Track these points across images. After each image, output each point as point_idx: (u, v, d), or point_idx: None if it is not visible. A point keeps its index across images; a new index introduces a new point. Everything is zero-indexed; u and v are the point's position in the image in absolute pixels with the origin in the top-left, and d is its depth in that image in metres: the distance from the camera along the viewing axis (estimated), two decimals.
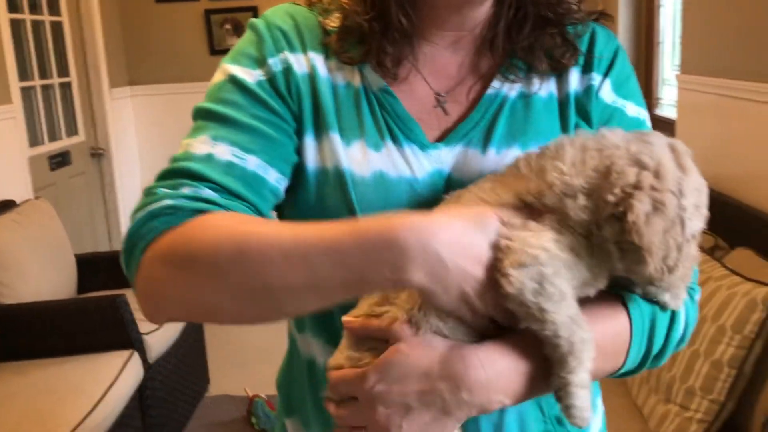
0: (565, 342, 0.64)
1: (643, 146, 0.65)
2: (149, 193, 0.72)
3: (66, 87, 4.14)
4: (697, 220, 0.65)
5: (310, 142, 0.79)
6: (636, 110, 0.85)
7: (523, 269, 0.63)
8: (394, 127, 0.80)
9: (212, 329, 3.52)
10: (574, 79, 0.84)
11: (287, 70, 0.80)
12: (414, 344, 0.67)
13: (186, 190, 0.71)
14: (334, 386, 0.71)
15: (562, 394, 0.67)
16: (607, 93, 0.84)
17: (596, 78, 0.84)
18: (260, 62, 0.80)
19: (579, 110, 0.83)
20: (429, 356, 0.66)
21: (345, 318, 0.72)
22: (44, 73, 3.91)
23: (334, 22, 0.82)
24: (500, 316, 0.67)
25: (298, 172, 0.80)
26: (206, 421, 3.12)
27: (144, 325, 2.74)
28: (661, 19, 3.66)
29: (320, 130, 0.80)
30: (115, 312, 2.59)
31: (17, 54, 3.54)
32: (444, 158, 0.80)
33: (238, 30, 4.65)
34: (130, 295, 2.65)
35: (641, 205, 0.62)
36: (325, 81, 0.81)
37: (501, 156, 0.79)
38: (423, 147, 0.80)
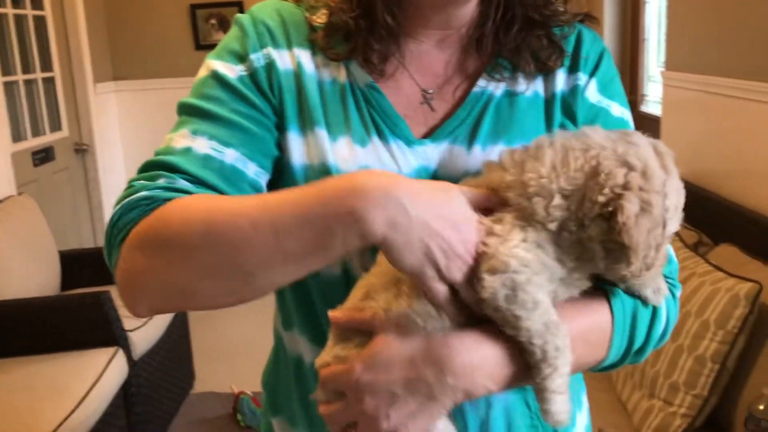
0: (539, 350, 0.66)
1: (629, 147, 0.66)
2: (128, 187, 0.74)
3: (49, 82, 4.10)
4: (675, 221, 0.67)
5: (295, 138, 0.80)
6: (620, 110, 0.86)
7: (496, 276, 0.64)
8: (380, 122, 0.80)
9: (198, 326, 3.51)
10: (561, 79, 0.85)
11: (270, 65, 0.80)
12: (398, 333, 0.67)
13: (162, 181, 0.72)
14: (323, 383, 0.71)
15: (538, 396, 0.68)
16: (592, 93, 0.85)
17: (582, 78, 0.85)
18: (242, 58, 0.80)
19: (564, 109, 0.84)
20: (413, 344, 0.67)
21: (331, 312, 0.72)
22: (27, 68, 3.86)
23: (320, 18, 0.82)
24: (478, 309, 0.67)
25: (284, 168, 0.80)
26: (191, 418, 3.11)
27: (129, 322, 2.72)
28: (646, 16, 3.68)
29: (306, 126, 0.80)
30: (100, 309, 2.57)
31: (0, 48, 3.49)
32: (430, 155, 0.80)
33: (223, 25, 4.62)
34: (114, 291, 2.63)
35: (631, 206, 0.63)
36: (311, 77, 0.81)
37: (486, 153, 0.80)
38: (409, 143, 0.80)
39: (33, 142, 3.85)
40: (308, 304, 0.83)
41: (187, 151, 0.75)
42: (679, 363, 1.94)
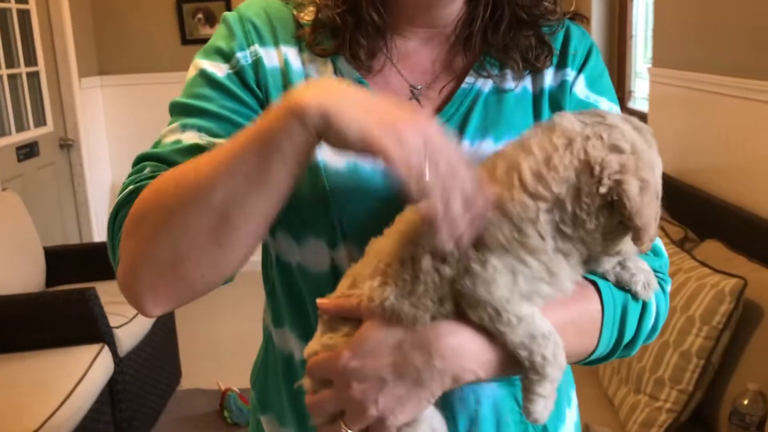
0: (525, 360, 0.67)
1: (612, 130, 0.66)
2: (121, 189, 0.75)
3: (34, 76, 4.06)
4: (660, 188, 0.68)
5: None
6: (609, 105, 0.86)
7: (477, 309, 0.66)
8: None
9: (184, 322, 3.49)
10: (548, 75, 0.85)
11: (256, 62, 0.81)
12: (385, 319, 0.67)
13: (147, 171, 0.75)
14: (310, 371, 0.71)
15: (523, 393, 0.69)
16: (580, 88, 0.85)
17: (570, 74, 0.85)
18: (229, 57, 0.81)
19: (553, 105, 0.84)
20: (400, 329, 0.67)
21: (319, 300, 0.72)
22: (11, 62, 3.83)
23: (308, 15, 0.82)
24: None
25: None
26: (178, 415, 3.10)
27: (114, 319, 2.71)
28: (633, 12, 3.70)
29: None
30: (85, 305, 2.55)
31: None
32: None
33: (210, 20, 4.59)
34: (100, 288, 2.62)
35: (633, 189, 0.63)
36: (298, 73, 0.81)
37: (475, 148, 0.80)
38: None
39: (17, 137, 3.81)
40: (298, 301, 0.83)
41: (176, 143, 0.77)
42: (664, 358, 1.95)
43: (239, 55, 0.81)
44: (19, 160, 3.80)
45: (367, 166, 0.78)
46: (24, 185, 3.77)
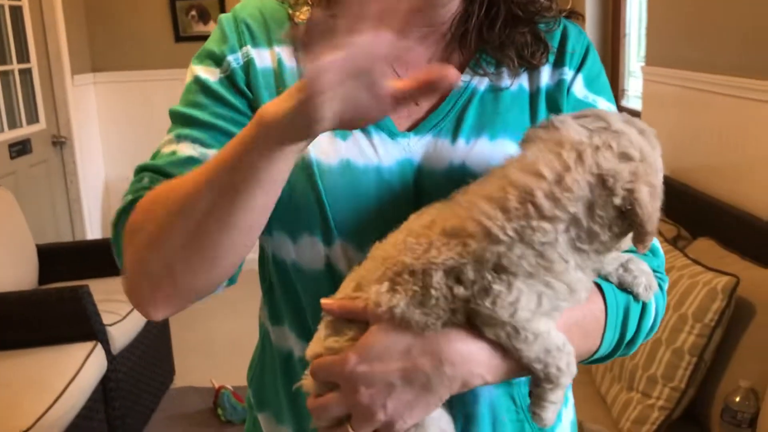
0: (540, 372, 0.67)
1: (620, 137, 0.66)
2: (122, 201, 0.77)
3: (26, 73, 4.04)
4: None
5: None
6: (606, 105, 0.86)
7: (494, 327, 0.66)
8: None
9: (177, 320, 3.48)
10: (545, 73, 0.85)
11: (248, 64, 0.81)
12: (393, 324, 0.67)
13: (146, 181, 0.76)
14: (314, 373, 0.70)
15: (533, 400, 0.69)
16: (579, 88, 0.85)
17: (568, 73, 0.85)
18: (221, 60, 0.82)
19: (550, 104, 0.84)
20: (409, 335, 0.66)
21: (323, 300, 0.72)
22: (3, 59, 3.81)
23: (303, 14, 0.83)
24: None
25: None
26: (171, 413, 3.10)
27: (107, 317, 2.70)
28: (627, 11, 3.70)
29: None
30: (78, 303, 2.55)
31: None
32: (413, 147, 0.80)
33: (203, 17, 4.58)
34: (93, 285, 2.61)
35: (645, 196, 0.63)
36: (292, 73, 0.82)
37: (470, 146, 0.80)
38: (392, 135, 0.80)
39: (9, 135, 3.79)
40: (295, 300, 0.83)
41: (172, 154, 0.78)
42: (657, 356, 1.96)
43: (230, 58, 0.81)
44: (12, 158, 3.79)
45: (359, 163, 0.78)
46: (16, 183, 3.75)
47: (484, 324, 0.66)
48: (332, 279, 0.78)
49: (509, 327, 0.65)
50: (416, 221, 0.70)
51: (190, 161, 0.77)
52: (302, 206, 0.78)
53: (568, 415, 0.92)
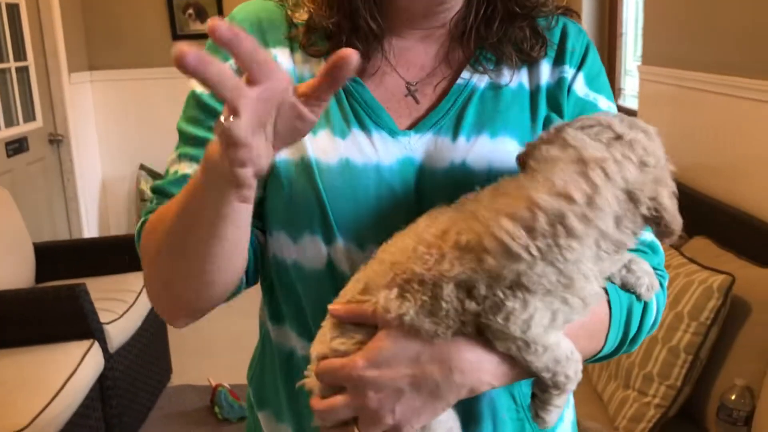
0: (549, 381, 0.68)
1: (634, 146, 0.66)
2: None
3: (23, 71, 4.04)
4: None
5: None
6: (607, 104, 0.87)
7: (507, 342, 0.67)
8: (362, 114, 0.80)
9: None
10: (545, 71, 0.85)
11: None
12: (402, 330, 0.67)
13: (154, 203, 0.82)
14: (320, 375, 0.70)
15: (538, 405, 0.70)
16: (580, 86, 0.85)
17: (569, 71, 0.85)
18: None
19: (550, 102, 0.84)
20: (418, 341, 0.67)
21: (331, 306, 0.72)
22: (0, 57, 3.80)
23: (303, 15, 0.83)
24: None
25: (270, 167, 0.80)
26: (169, 411, 3.10)
27: (104, 315, 2.70)
28: (624, 10, 3.71)
29: None
30: (75, 301, 2.54)
31: None
32: (414, 146, 0.80)
33: (200, 16, 4.57)
34: (90, 284, 2.61)
35: (667, 199, 0.66)
36: (288, 73, 0.81)
37: (470, 144, 0.80)
38: (392, 134, 0.80)
39: (6, 133, 3.79)
40: (296, 299, 0.83)
41: (175, 173, 0.82)
42: (653, 354, 1.97)
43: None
44: (8, 156, 3.78)
45: (358, 161, 0.78)
46: (13, 181, 3.75)
47: (495, 337, 0.66)
48: (333, 278, 0.78)
49: (520, 341, 0.65)
50: (427, 229, 0.69)
51: (186, 180, 0.78)
52: (302, 206, 0.78)
53: (569, 415, 0.92)
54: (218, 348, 3.58)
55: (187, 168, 0.80)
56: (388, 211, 0.77)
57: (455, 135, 0.80)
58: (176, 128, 0.85)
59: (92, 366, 2.55)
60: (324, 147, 0.78)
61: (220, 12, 4.48)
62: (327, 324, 0.72)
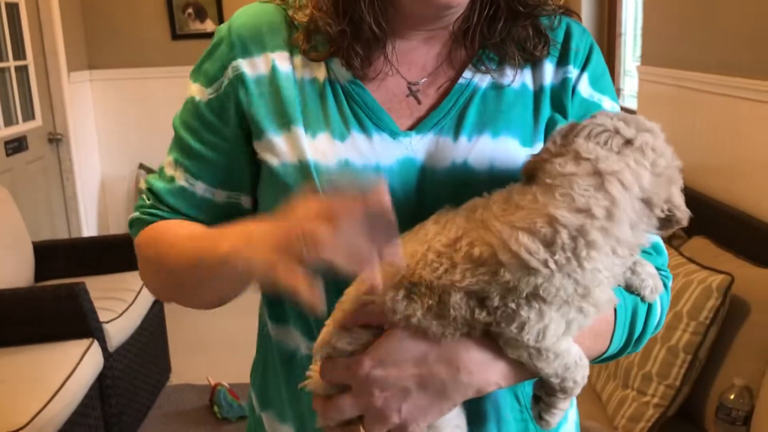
0: (556, 386, 0.69)
1: (644, 151, 0.67)
2: (136, 204, 0.90)
3: (22, 70, 4.04)
4: None
5: (274, 141, 0.80)
6: (611, 104, 0.87)
7: (517, 349, 0.67)
8: (362, 116, 0.80)
9: (174, 317, 3.48)
10: (549, 72, 0.85)
11: (237, 78, 0.82)
12: (409, 330, 0.67)
13: (149, 202, 0.87)
14: (324, 374, 0.70)
15: (542, 407, 0.71)
16: (584, 87, 0.85)
17: (573, 71, 0.85)
18: (211, 78, 0.84)
19: (554, 103, 0.84)
20: (426, 341, 0.67)
21: (335, 312, 0.72)
22: (0, 56, 3.81)
23: (304, 17, 0.82)
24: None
25: (269, 172, 0.81)
26: (168, 410, 3.10)
27: (104, 314, 2.70)
28: (623, 10, 3.71)
29: (283, 126, 0.80)
30: (74, 300, 2.54)
31: None
32: (415, 146, 0.80)
33: (200, 15, 4.57)
34: (89, 283, 2.61)
35: (679, 198, 0.68)
36: (287, 77, 0.82)
37: (472, 143, 0.80)
38: (393, 135, 0.80)
39: (6, 132, 3.79)
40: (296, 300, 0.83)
41: (171, 180, 0.86)
42: (652, 354, 1.97)
43: (220, 75, 0.83)
44: (8, 155, 3.78)
45: (357, 163, 0.78)
46: (13, 180, 3.75)
47: (506, 345, 0.66)
48: (332, 280, 0.78)
49: (532, 350, 0.65)
50: (436, 237, 0.68)
51: (182, 192, 0.85)
52: None
53: (572, 415, 0.93)
54: (217, 347, 3.58)
55: (183, 180, 0.85)
56: None
57: (456, 135, 0.80)
58: (174, 122, 0.87)
59: (91, 365, 2.55)
60: (323, 150, 0.78)
61: (220, 12, 4.49)
62: (331, 323, 0.72)
